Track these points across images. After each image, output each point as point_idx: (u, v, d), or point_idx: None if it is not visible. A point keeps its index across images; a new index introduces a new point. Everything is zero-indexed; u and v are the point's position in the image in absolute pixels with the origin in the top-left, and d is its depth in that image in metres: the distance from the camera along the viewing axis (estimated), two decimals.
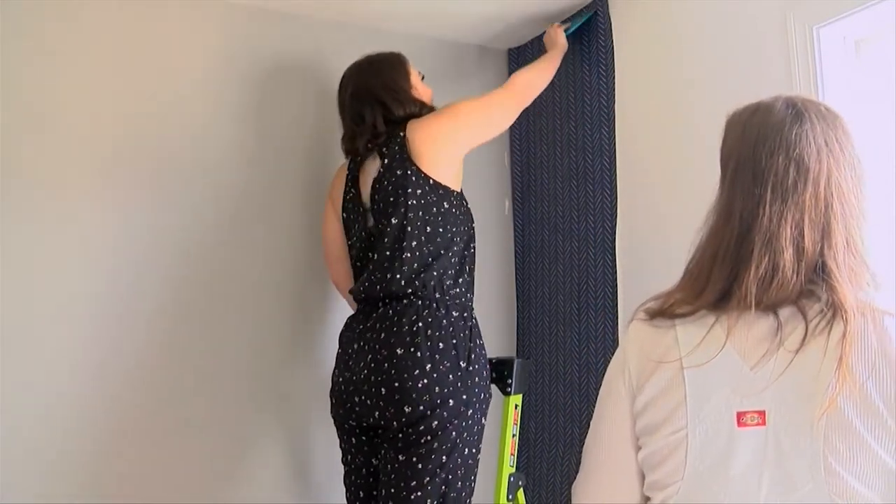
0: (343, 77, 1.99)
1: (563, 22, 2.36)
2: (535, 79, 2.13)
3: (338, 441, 1.88)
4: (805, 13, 1.64)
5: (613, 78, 2.21)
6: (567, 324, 2.35)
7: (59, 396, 1.86)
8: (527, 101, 2.10)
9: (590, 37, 2.30)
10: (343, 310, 2.10)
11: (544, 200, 2.50)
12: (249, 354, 2.12)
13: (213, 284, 2.09)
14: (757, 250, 0.96)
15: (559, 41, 2.23)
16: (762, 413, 0.92)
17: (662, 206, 2.05)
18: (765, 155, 0.99)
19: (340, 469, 1.88)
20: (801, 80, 1.64)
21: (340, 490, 1.88)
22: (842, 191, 0.97)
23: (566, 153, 2.39)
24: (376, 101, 1.88)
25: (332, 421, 1.88)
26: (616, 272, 2.16)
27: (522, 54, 2.63)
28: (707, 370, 0.96)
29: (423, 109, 1.92)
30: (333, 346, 1.93)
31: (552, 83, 2.47)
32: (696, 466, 0.94)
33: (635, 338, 1.07)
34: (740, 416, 0.92)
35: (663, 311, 1.04)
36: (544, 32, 2.32)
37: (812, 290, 0.94)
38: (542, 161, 2.49)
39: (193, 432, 2.01)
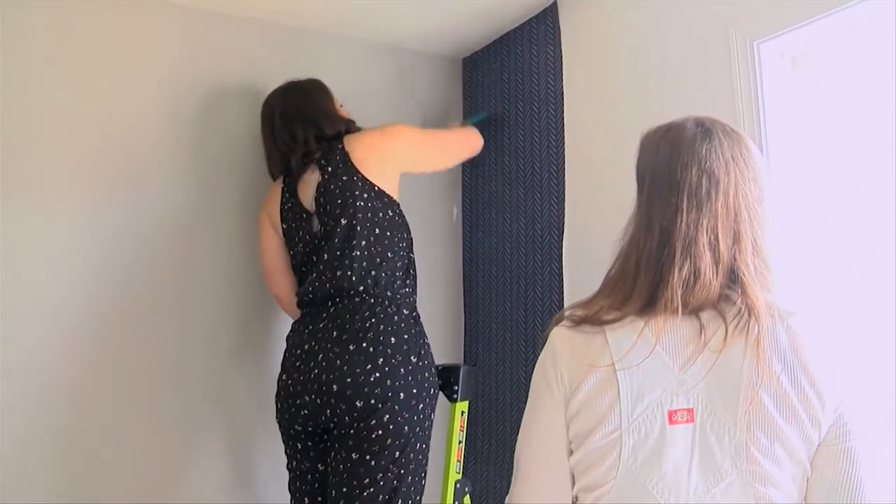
0: (267, 102, 2.01)
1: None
2: (475, 140, 2.29)
3: (283, 447, 1.86)
4: (746, 29, 1.72)
5: (562, 87, 2.24)
6: (514, 330, 2.37)
7: (3, 397, 1.82)
8: (463, 155, 2.28)
9: (538, 47, 2.34)
10: (286, 317, 2.07)
11: (492, 207, 2.52)
12: (192, 361, 2.09)
13: (157, 291, 2.05)
14: (678, 255, 1.01)
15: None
16: (691, 410, 0.97)
17: (609, 214, 2.04)
18: (679, 168, 1.05)
19: (285, 475, 1.86)
20: (742, 91, 1.71)
21: (285, 496, 1.86)
22: (748, 200, 1.04)
23: (515, 160, 2.41)
24: (308, 121, 1.91)
25: (277, 427, 1.86)
26: (562, 279, 2.19)
27: (476, 63, 2.65)
28: (639, 372, 1.00)
29: (352, 126, 1.96)
30: (277, 352, 1.91)
31: (504, 91, 2.51)
32: (629, 465, 0.98)
33: (565, 343, 1.09)
34: (671, 414, 0.98)
35: (590, 318, 1.07)
36: (496, 40, 2.33)
37: (728, 294, 1.01)
38: (491, 168, 2.51)
39: (136, 438, 1.98)
